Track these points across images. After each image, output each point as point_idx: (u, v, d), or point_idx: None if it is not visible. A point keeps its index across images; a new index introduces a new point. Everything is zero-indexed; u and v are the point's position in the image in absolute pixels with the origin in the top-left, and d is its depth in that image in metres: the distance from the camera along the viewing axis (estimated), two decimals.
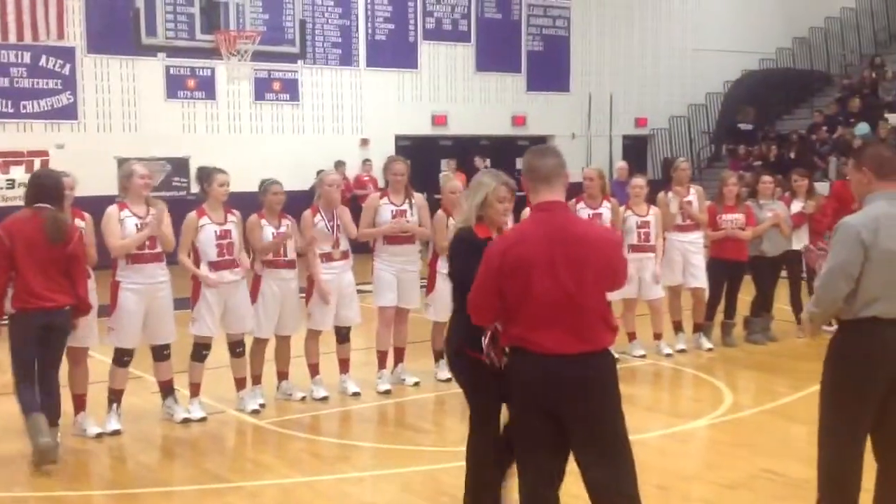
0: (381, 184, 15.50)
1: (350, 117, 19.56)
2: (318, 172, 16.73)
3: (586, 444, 3.98)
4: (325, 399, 7.67)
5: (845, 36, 24.98)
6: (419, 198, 8.09)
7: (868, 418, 4.28)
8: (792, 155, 19.93)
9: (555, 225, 4.00)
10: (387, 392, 7.92)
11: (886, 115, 20.42)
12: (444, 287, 7.25)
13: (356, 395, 7.81)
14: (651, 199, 9.38)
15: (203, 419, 7.12)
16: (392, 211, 7.85)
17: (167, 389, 7.22)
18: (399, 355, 8.28)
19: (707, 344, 9.42)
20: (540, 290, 3.91)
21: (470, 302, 4.20)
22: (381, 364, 8.10)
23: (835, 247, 4.26)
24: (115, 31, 16.48)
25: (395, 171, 7.93)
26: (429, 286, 8.11)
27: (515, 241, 4.06)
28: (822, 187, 12.79)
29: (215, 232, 7.09)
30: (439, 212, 7.90)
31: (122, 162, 12.33)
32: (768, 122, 23.10)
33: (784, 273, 10.12)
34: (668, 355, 9.11)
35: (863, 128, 20.15)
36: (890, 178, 4.30)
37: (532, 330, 3.96)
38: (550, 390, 3.93)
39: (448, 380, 8.17)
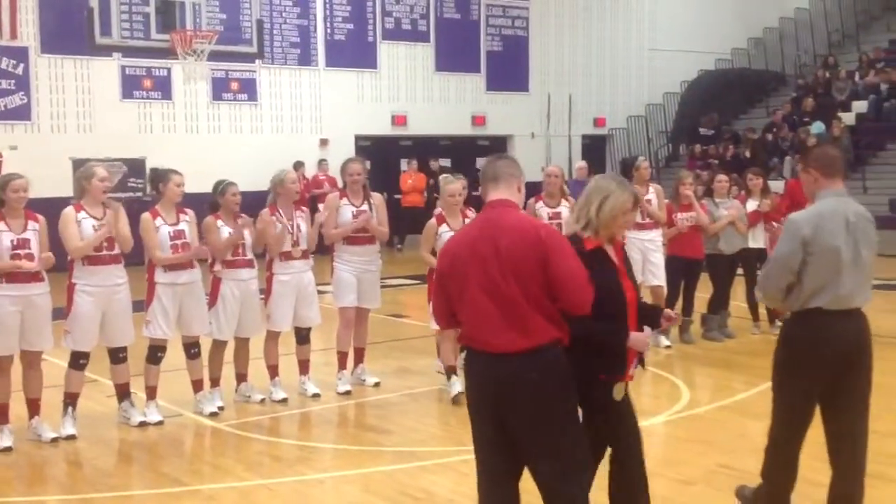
0: (339, 184, 15.48)
1: (309, 117, 19.48)
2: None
3: (529, 443, 3.96)
4: (284, 401, 7.62)
5: (799, 36, 25.33)
6: (377, 198, 8.11)
7: (809, 401, 4.65)
8: (748, 154, 20.19)
9: (488, 221, 4.04)
10: (347, 393, 7.90)
11: (840, 114, 20.76)
12: None
13: (316, 396, 7.78)
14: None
15: (160, 422, 7.05)
16: (353, 212, 7.86)
17: (123, 393, 7.14)
18: (359, 356, 8.26)
19: (665, 341, 9.50)
20: (473, 288, 3.93)
21: (431, 308, 4.28)
22: (342, 365, 8.07)
23: (779, 241, 4.62)
24: (70, 31, 16.29)
25: (353, 171, 7.93)
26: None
27: (453, 243, 4.18)
28: (777, 186, 12.95)
29: (169, 233, 7.03)
30: (431, 221, 7.71)
31: (77, 163, 12.16)
32: (725, 121, 23.36)
33: (740, 270, 10.23)
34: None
35: (817, 127, 20.47)
36: (836, 176, 4.63)
37: (473, 328, 3.99)
38: (494, 388, 3.95)
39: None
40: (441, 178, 7.80)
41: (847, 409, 4.71)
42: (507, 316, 3.88)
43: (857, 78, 22.16)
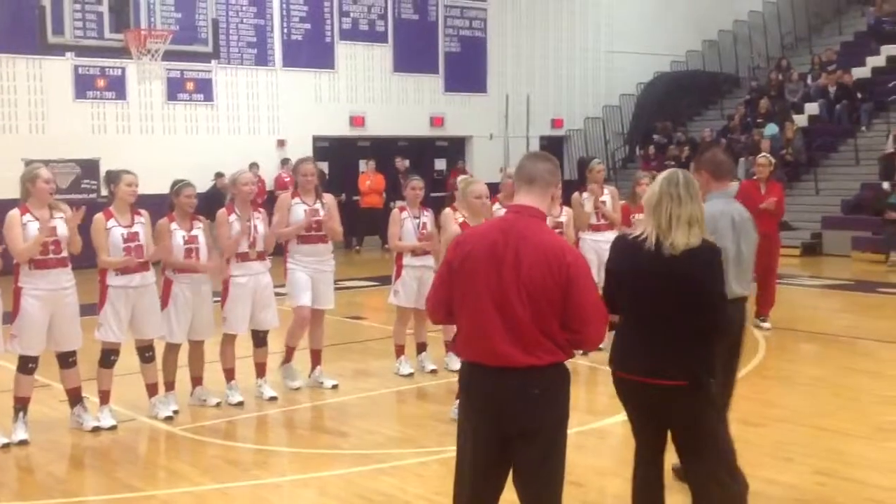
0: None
1: (266, 118, 19.36)
2: (217, 175, 16.78)
3: (525, 460, 3.87)
4: (240, 404, 7.56)
5: (753, 39, 25.65)
6: (329, 198, 8.15)
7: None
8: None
9: (514, 227, 3.84)
10: (297, 389, 7.96)
11: (793, 116, 21.05)
12: (410, 275, 8.29)
13: (273, 399, 7.73)
14: (566, 200, 9.48)
15: (113, 427, 6.96)
16: (305, 210, 7.86)
17: (75, 397, 7.04)
18: (316, 358, 8.23)
19: None
20: (484, 295, 3.77)
21: (427, 298, 4.14)
22: (288, 358, 8.12)
23: None
24: (21, 30, 16.03)
25: (305, 171, 7.99)
26: (396, 273, 8.37)
27: (472, 237, 3.98)
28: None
29: (122, 234, 6.93)
30: (453, 227, 7.41)
31: (29, 164, 11.98)
32: (680, 123, 23.59)
33: None
34: (584, 354, 9.21)
35: (770, 128, 20.73)
36: (724, 178, 5.04)
37: (474, 338, 3.82)
38: (492, 402, 3.82)
39: (433, 371, 8.46)
40: (460, 179, 7.69)
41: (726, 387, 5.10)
42: (512, 332, 3.73)
43: (809, 80, 22.47)
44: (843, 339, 10.19)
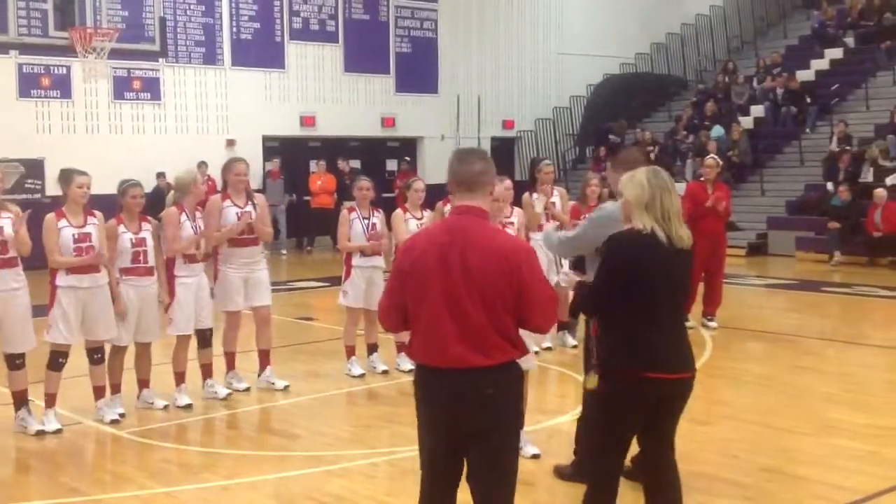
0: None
1: (215, 117, 19.19)
2: (158, 175, 16.60)
3: (478, 459, 3.87)
4: (189, 407, 7.48)
5: (700, 42, 25.98)
6: (260, 198, 8.13)
7: None
8: (653, 157, 20.58)
9: (459, 229, 3.85)
10: (246, 390, 7.93)
11: (739, 118, 21.37)
12: (359, 276, 8.31)
13: (228, 396, 7.70)
14: (517, 201, 9.51)
15: (59, 431, 6.85)
16: (237, 213, 7.78)
17: (20, 400, 6.91)
18: (265, 358, 8.17)
19: (572, 341, 9.61)
20: (433, 294, 3.78)
21: (379, 304, 4.13)
22: (230, 365, 8.05)
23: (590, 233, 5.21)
24: None
25: (239, 171, 7.89)
26: (346, 274, 8.38)
27: (419, 242, 3.97)
28: (679, 188, 13.24)
29: (73, 235, 6.81)
30: (402, 228, 7.70)
31: None
32: (630, 125, 23.80)
33: None
34: (536, 353, 9.25)
35: (717, 130, 21.02)
36: None
37: (427, 341, 3.82)
38: (446, 404, 3.82)
39: (384, 372, 8.46)
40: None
41: None
42: (465, 333, 3.73)
43: (755, 83, 22.82)
44: (788, 338, 10.36)
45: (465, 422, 3.82)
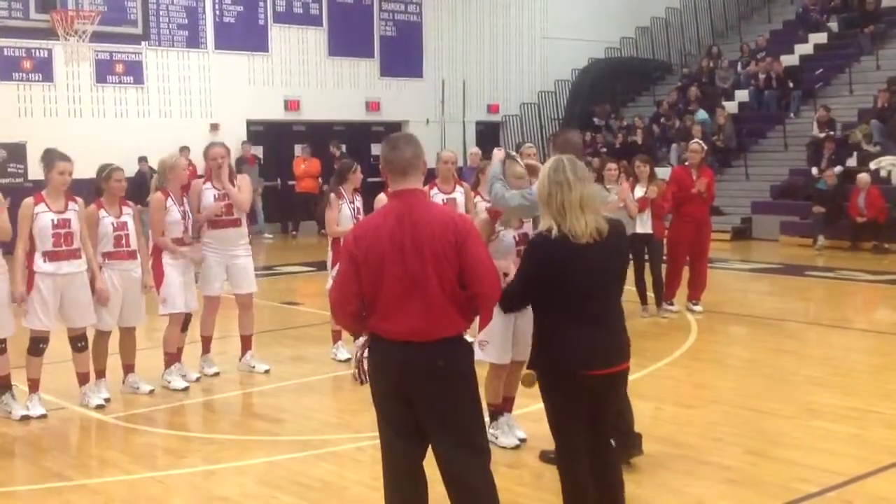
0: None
1: (199, 101, 19.07)
2: (140, 160, 16.50)
3: (437, 433, 4.01)
4: (185, 390, 7.52)
5: (685, 26, 25.98)
6: (243, 178, 8.11)
7: None
8: (638, 141, 20.62)
9: (404, 211, 4.02)
10: (216, 374, 7.92)
11: (723, 103, 21.40)
12: None
13: (184, 390, 7.60)
14: None
15: (43, 416, 6.83)
16: (215, 195, 7.80)
17: (4, 385, 6.88)
18: (247, 343, 8.17)
19: None
20: (390, 278, 3.94)
21: (331, 295, 4.22)
22: (205, 349, 8.05)
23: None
24: None
25: (214, 155, 7.90)
26: (334, 259, 8.22)
27: (368, 229, 4.10)
28: (664, 172, 13.27)
29: (52, 220, 6.76)
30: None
31: None
32: (614, 109, 23.81)
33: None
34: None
35: (701, 115, 21.05)
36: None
37: (385, 318, 3.98)
38: (402, 377, 3.98)
39: (347, 360, 8.31)
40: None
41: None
42: (424, 307, 3.91)
43: (739, 67, 22.85)
44: (772, 322, 10.41)
45: (420, 393, 3.96)
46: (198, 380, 7.81)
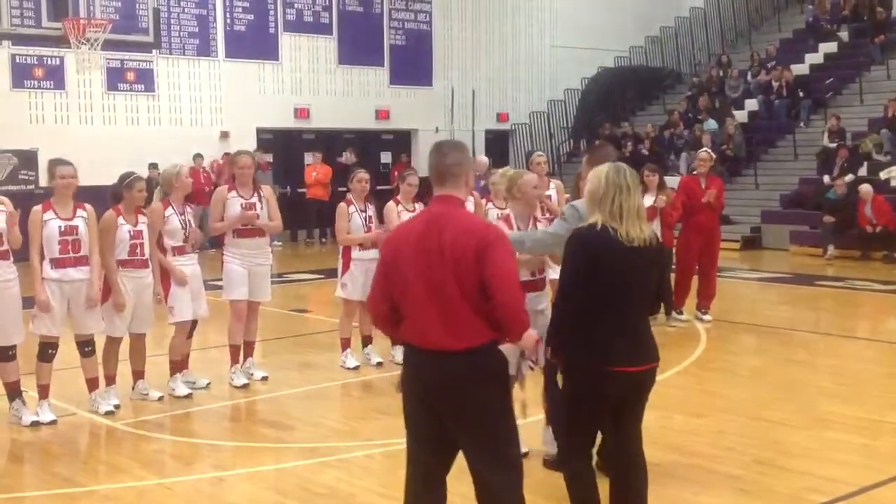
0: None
1: (209, 109, 19.14)
2: (150, 166, 16.56)
3: (465, 444, 3.97)
4: (189, 397, 7.51)
5: (694, 35, 25.98)
6: (268, 190, 8.10)
7: None
8: (646, 151, 20.61)
9: (435, 216, 3.98)
10: (244, 386, 7.84)
11: (733, 112, 21.38)
12: (358, 268, 8.25)
13: (188, 396, 7.59)
14: None
15: (53, 422, 6.84)
16: (241, 204, 7.80)
17: (14, 391, 6.90)
18: (249, 349, 8.16)
19: None
20: (414, 282, 3.91)
21: (368, 296, 4.23)
22: (234, 359, 8.00)
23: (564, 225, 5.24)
24: None
25: (242, 164, 7.90)
26: (344, 266, 8.37)
27: (400, 232, 4.13)
28: (674, 181, 13.25)
29: (59, 227, 6.78)
30: (396, 221, 7.67)
31: None
32: (623, 118, 23.81)
33: None
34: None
35: (711, 124, 21.04)
36: None
37: (412, 324, 3.96)
38: (427, 386, 3.93)
39: (379, 364, 8.43)
40: (502, 171, 7.11)
41: None
42: (445, 314, 3.85)
43: (749, 76, 22.84)
44: (781, 331, 10.39)
45: (445, 403, 3.91)
46: (208, 386, 7.81)
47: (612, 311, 4.27)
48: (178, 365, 7.67)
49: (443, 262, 3.85)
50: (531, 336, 4.05)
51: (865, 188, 16.48)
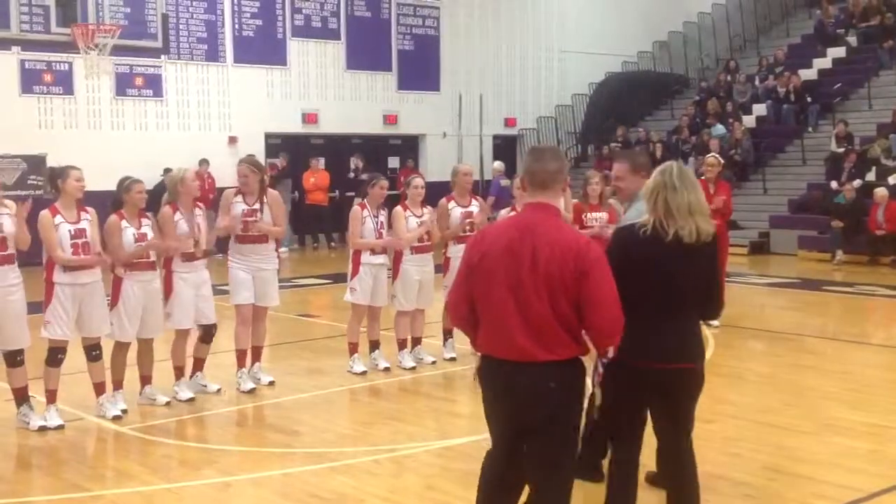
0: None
1: (217, 114, 19.18)
2: (165, 171, 16.59)
3: (532, 454, 3.97)
4: (191, 400, 7.51)
5: (702, 40, 25.95)
6: (273, 196, 8.08)
7: None
8: (658, 155, 20.55)
9: (530, 224, 3.92)
10: (251, 391, 7.84)
11: (742, 117, 21.35)
12: (367, 273, 8.27)
13: (218, 391, 7.72)
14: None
15: (61, 427, 6.85)
16: (243, 210, 7.81)
17: (21, 396, 6.91)
18: (256, 354, 8.16)
19: None
20: (499, 287, 3.86)
21: (448, 296, 4.19)
22: (241, 363, 8.00)
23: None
24: None
25: (238, 173, 8.00)
26: (354, 270, 8.36)
27: (490, 235, 4.06)
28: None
29: (70, 231, 6.82)
30: (402, 225, 8.03)
31: None
32: (631, 122, 23.78)
33: None
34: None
35: (718, 129, 21.01)
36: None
37: (494, 334, 3.91)
38: (509, 397, 3.91)
39: (387, 369, 8.46)
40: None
41: None
42: (531, 327, 3.80)
43: (757, 81, 22.80)
44: (789, 337, 10.35)
45: (527, 414, 3.88)
46: (218, 391, 7.80)
47: (643, 305, 4.22)
48: (182, 370, 7.66)
49: (535, 275, 3.80)
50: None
51: (881, 191, 16.43)
